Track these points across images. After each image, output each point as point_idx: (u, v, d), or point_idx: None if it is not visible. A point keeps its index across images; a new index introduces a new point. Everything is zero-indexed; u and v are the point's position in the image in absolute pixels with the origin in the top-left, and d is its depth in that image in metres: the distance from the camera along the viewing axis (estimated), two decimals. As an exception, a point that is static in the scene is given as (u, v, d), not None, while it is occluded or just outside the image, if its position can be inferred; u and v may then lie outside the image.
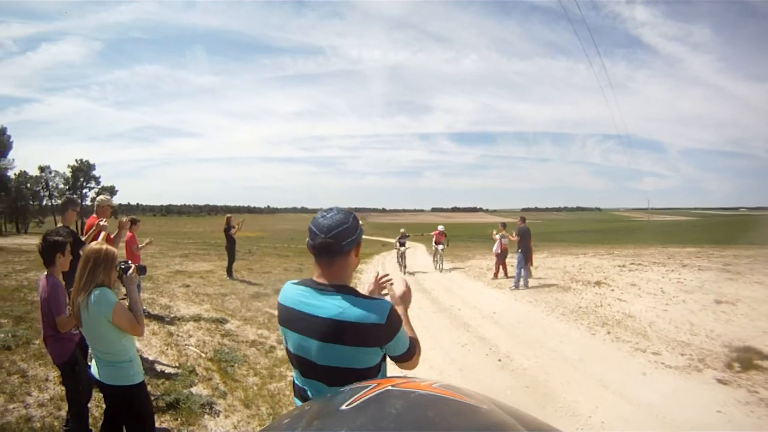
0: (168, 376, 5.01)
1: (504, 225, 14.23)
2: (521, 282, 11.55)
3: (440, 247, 16.48)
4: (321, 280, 1.68)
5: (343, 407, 0.99)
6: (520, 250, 11.80)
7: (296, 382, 1.76)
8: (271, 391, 4.98)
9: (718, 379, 5.35)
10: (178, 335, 6.54)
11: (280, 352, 6.17)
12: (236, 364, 5.64)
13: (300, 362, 1.68)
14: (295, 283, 1.75)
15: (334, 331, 1.58)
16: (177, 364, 5.43)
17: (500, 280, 13.11)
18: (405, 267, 16.65)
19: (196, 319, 7.49)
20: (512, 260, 13.06)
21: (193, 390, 4.69)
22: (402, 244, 17.12)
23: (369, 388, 1.05)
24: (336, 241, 1.63)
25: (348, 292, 1.65)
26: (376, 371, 1.67)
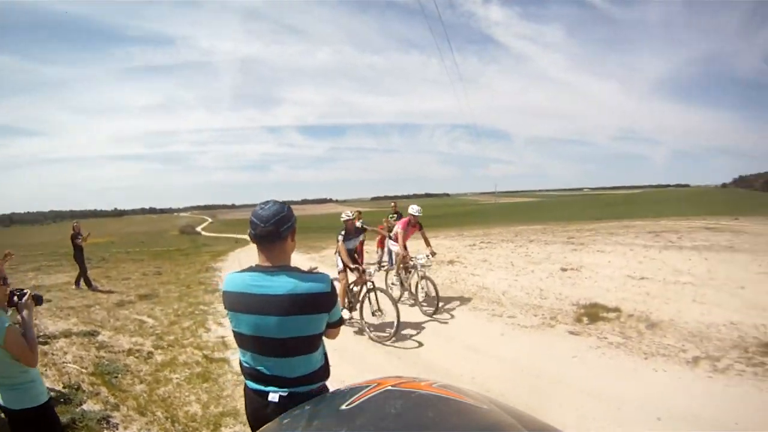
0: (55, 397, 4.45)
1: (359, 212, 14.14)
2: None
3: (420, 257, 7.70)
4: (266, 264, 1.88)
5: (343, 407, 1.01)
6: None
7: (248, 364, 1.89)
8: (162, 396, 4.85)
9: (570, 332, 5.90)
10: (52, 354, 6.00)
11: (159, 357, 6.02)
12: (119, 375, 5.40)
13: (257, 342, 1.82)
14: (239, 272, 1.91)
15: (292, 303, 1.78)
16: (61, 384, 4.98)
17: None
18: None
19: (66, 334, 6.94)
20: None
21: (85, 407, 4.42)
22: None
23: (369, 388, 1.09)
24: (275, 228, 1.85)
25: (292, 270, 1.87)
26: (320, 337, 1.92)
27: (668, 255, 10.40)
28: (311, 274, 1.89)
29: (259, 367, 1.85)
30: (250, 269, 1.89)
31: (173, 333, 7.16)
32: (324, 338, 1.99)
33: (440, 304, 7.27)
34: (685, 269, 8.95)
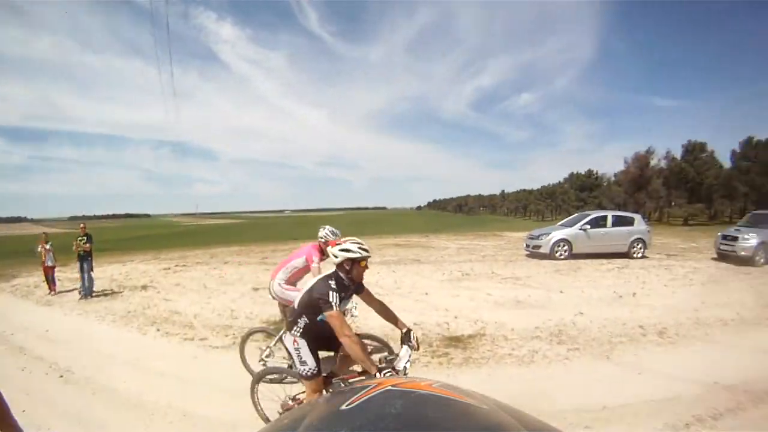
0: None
1: (46, 234, 12.45)
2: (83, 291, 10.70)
3: None
4: None
5: (343, 407, 1.00)
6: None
7: None
8: None
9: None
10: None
11: None
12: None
13: None
14: None
15: None
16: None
17: (50, 297, 11.35)
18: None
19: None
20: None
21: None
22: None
23: (369, 388, 1.08)
24: None
25: None
26: None
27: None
28: None
29: None
30: None
31: None
32: None
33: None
34: (373, 282, 10.57)
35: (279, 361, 5.14)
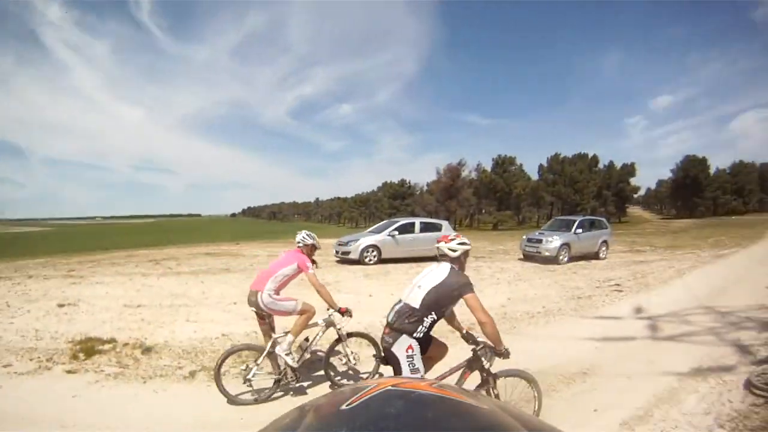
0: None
1: None
2: None
3: None
4: None
5: (343, 407, 0.99)
6: None
7: None
8: None
9: (68, 371, 5.86)
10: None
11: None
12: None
13: None
14: None
15: None
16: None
17: None
18: None
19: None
20: None
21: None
22: None
23: (369, 388, 1.06)
24: None
25: None
26: None
27: (166, 281, 11.71)
28: None
29: None
30: None
31: None
32: None
33: None
34: (181, 292, 10.27)
35: (266, 378, 4.99)
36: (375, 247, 16.07)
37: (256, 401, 4.84)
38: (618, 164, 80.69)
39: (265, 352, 4.94)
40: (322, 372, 5.46)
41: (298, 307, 5.08)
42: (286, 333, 5.04)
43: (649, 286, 12.00)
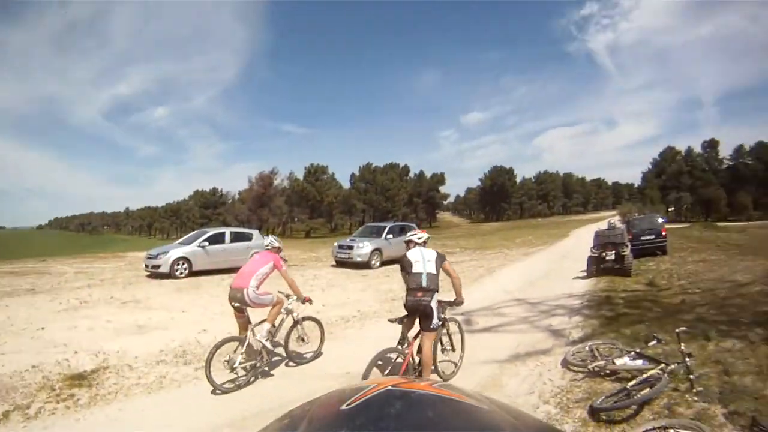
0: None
1: None
2: None
3: None
4: None
5: (343, 407, 1.00)
6: None
7: None
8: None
9: None
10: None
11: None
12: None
13: None
14: None
15: None
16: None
17: None
18: None
19: None
20: None
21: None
22: None
23: (369, 388, 1.08)
24: None
25: None
26: None
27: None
28: None
29: None
30: None
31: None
32: None
33: None
34: None
35: (244, 364, 5.46)
36: (185, 259, 15.06)
37: (238, 387, 5.35)
38: (428, 174, 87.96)
39: (246, 342, 5.55)
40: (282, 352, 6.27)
41: (275, 299, 5.91)
42: (262, 322, 5.85)
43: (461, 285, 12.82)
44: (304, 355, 6.44)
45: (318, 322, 6.74)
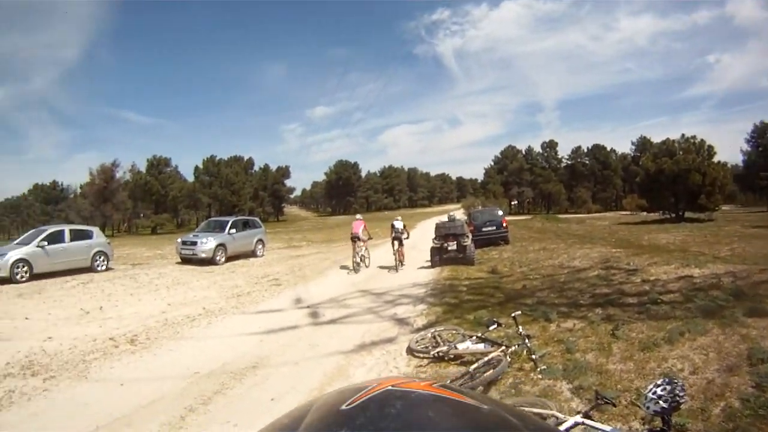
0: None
1: None
2: None
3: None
4: None
5: (343, 407, 0.98)
6: None
7: None
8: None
9: None
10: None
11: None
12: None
13: None
14: None
15: None
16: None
17: None
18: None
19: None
20: None
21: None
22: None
23: (369, 388, 1.04)
24: None
25: None
26: None
27: None
28: None
29: None
30: None
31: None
32: None
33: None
34: None
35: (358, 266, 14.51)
36: (25, 261, 13.95)
37: (356, 272, 13.94)
38: (273, 167, 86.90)
39: (360, 254, 14.59)
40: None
41: (367, 238, 14.96)
42: (364, 247, 14.87)
43: (306, 278, 13.30)
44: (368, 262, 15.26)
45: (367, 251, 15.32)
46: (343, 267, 15.15)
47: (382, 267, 14.83)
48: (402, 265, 14.52)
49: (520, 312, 5.51)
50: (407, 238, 14.98)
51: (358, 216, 15.85)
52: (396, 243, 14.38)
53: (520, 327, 5.13)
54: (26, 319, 9.13)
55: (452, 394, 1.03)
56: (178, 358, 6.42)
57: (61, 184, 74.73)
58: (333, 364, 5.94)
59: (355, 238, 14.27)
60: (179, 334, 7.68)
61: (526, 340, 5.05)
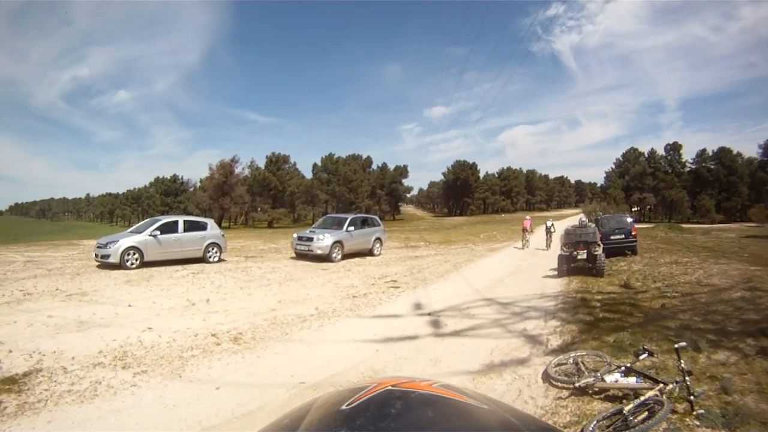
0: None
1: None
2: None
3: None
4: None
5: (344, 407, 1.01)
6: None
7: None
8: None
9: None
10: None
11: None
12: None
13: None
14: None
15: None
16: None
17: None
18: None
19: None
20: None
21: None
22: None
23: (369, 388, 1.10)
24: None
25: None
26: None
27: None
28: None
29: None
30: None
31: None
32: None
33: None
34: None
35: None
36: (136, 248, 14.22)
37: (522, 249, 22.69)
38: (391, 166, 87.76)
39: (526, 239, 23.67)
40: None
41: (531, 231, 24.46)
42: (529, 236, 24.02)
43: (426, 281, 12.44)
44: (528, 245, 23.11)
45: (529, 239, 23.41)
46: (466, 269, 14.51)
47: (505, 274, 14.08)
48: (548, 247, 22.08)
49: (684, 343, 4.56)
50: (554, 231, 22.92)
51: (528, 217, 26.75)
52: (547, 235, 23.66)
53: (682, 361, 4.26)
54: (129, 306, 8.86)
55: (452, 394, 1.09)
56: (283, 363, 5.88)
57: (181, 178, 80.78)
58: (457, 384, 4.50)
59: (524, 229, 23.61)
60: (287, 336, 7.05)
61: (687, 378, 4.19)
